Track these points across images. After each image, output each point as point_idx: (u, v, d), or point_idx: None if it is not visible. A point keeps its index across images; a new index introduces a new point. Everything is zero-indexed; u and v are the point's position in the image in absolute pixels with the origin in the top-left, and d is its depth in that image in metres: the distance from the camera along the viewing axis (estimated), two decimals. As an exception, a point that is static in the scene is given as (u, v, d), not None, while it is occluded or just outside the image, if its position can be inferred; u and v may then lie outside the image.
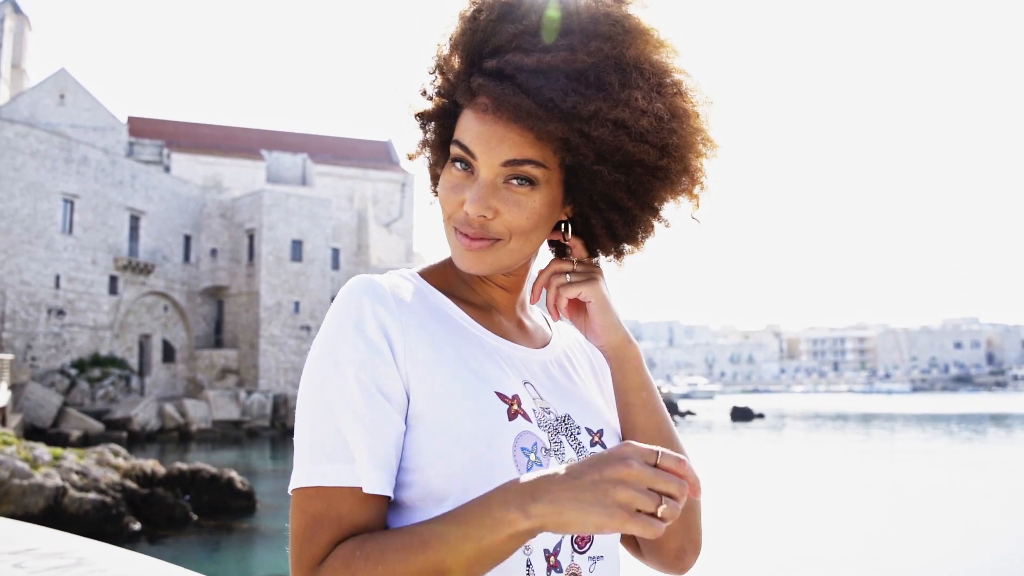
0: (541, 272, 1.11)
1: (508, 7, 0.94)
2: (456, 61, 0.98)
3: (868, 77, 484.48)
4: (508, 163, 0.94)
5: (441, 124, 1.04)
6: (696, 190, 1.02)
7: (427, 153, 1.09)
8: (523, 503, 0.78)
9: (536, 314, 1.20)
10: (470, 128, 0.95)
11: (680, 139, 0.96)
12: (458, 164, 0.97)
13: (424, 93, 1.05)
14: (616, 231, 1.06)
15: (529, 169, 0.94)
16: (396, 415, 0.90)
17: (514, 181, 0.95)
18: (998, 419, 53.90)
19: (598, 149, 0.93)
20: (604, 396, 1.14)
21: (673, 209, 1.04)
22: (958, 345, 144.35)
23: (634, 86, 0.91)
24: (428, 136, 1.07)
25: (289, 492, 0.90)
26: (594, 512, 0.74)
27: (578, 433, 1.03)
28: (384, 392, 0.90)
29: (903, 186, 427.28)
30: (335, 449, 0.87)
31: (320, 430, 0.89)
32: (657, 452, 0.77)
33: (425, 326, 0.97)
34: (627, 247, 1.09)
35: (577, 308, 1.13)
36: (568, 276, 1.10)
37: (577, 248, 1.10)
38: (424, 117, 1.06)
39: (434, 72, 1.03)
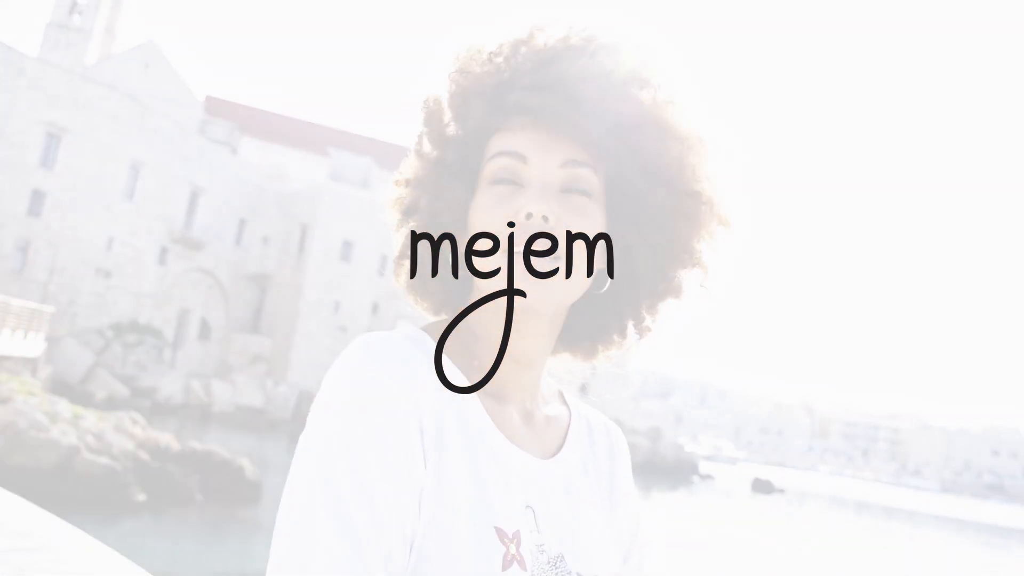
0: None
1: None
2: (474, 102, 0.83)
3: (928, 161, 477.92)
4: (568, 163, 0.80)
5: (454, 156, 0.85)
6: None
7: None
8: None
9: (553, 398, 0.96)
10: (512, 138, 0.81)
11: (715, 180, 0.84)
12: (499, 185, 0.80)
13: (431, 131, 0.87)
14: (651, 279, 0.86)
15: (588, 175, 0.80)
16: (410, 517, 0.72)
17: (571, 190, 0.80)
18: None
19: (642, 161, 0.81)
20: (614, 519, 0.93)
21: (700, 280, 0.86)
22: (995, 452, 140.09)
23: (680, 103, 0.83)
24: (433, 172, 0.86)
25: None
26: None
27: None
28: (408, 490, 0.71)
29: (961, 282, 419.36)
30: (340, 558, 0.66)
31: (325, 527, 0.67)
32: None
33: (442, 416, 0.76)
34: (648, 320, 0.88)
35: None
36: None
37: None
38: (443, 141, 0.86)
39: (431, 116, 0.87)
